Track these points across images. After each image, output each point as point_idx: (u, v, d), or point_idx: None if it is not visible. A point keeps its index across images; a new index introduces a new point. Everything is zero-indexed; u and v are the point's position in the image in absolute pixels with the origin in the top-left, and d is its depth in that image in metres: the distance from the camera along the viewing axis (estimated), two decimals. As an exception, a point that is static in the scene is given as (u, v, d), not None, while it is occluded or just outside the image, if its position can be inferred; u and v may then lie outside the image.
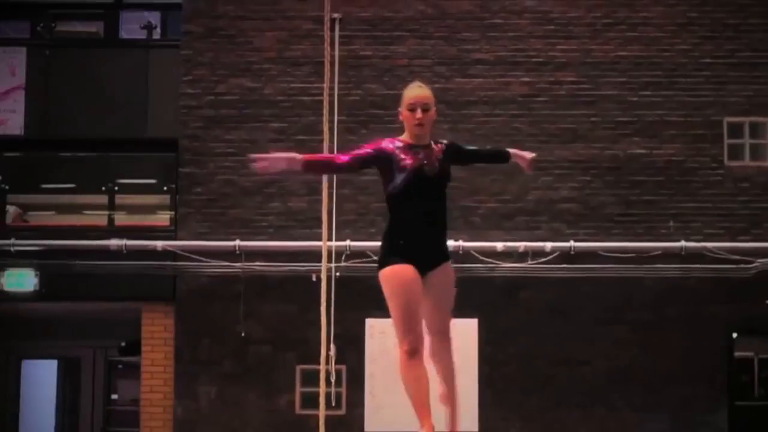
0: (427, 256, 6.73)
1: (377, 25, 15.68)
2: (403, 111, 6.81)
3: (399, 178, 6.73)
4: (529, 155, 7.20)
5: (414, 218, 6.70)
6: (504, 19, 15.78)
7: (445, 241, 6.92)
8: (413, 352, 6.59)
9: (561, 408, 15.11)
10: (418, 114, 6.69)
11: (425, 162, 6.72)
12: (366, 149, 6.81)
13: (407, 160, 6.70)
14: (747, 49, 15.70)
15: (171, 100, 16.05)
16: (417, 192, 6.69)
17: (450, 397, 6.93)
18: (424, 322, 6.75)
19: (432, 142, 6.84)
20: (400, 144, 6.79)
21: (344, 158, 6.87)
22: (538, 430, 15.14)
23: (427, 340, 6.78)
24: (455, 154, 6.93)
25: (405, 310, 6.63)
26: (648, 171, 15.58)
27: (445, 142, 6.92)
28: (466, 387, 14.53)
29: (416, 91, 6.82)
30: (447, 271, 6.83)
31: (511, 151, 7.19)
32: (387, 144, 6.82)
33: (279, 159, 6.63)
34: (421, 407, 6.61)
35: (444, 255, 6.86)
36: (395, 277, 6.65)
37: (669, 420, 15.07)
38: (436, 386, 6.80)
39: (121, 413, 17.84)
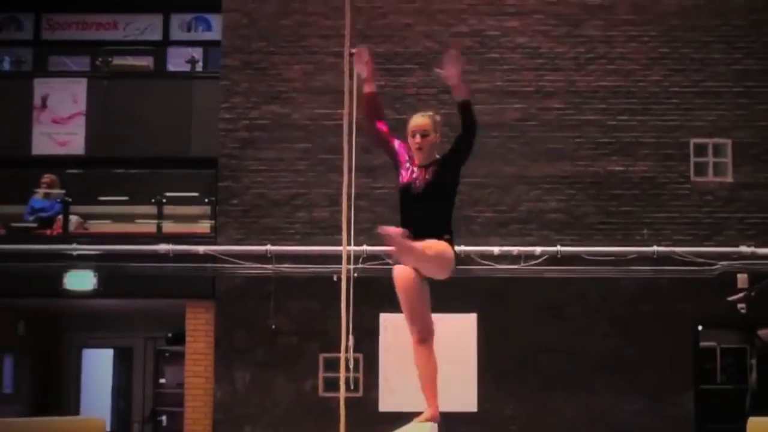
0: None
1: (390, 59, 15.72)
2: (408, 136, 6.98)
3: (398, 187, 6.99)
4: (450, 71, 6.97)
5: (405, 227, 6.69)
6: (499, 54, 15.91)
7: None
8: (421, 341, 6.85)
9: (549, 391, 15.17)
10: (417, 139, 6.86)
11: (414, 181, 6.84)
12: (394, 141, 7.09)
13: (404, 175, 6.93)
14: (710, 80, 15.76)
15: (211, 124, 16.13)
16: (405, 205, 6.91)
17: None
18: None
19: (434, 160, 6.91)
20: (408, 158, 6.99)
21: (383, 127, 7.16)
22: (530, 410, 15.19)
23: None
24: (449, 161, 6.90)
25: (405, 306, 6.89)
26: (624, 185, 15.66)
27: (437, 157, 6.94)
28: (466, 373, 14.86)
29: (416, 120, 6.99)
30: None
31: (455, 96, 7.06)
32: (403, 152, 7.04)
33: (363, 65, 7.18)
34: (429, 390, 6.79)
35: None
36: (396, 278, 6.90)
37: (643, 401, 15.09)
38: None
39: (167, 395, 17.83)
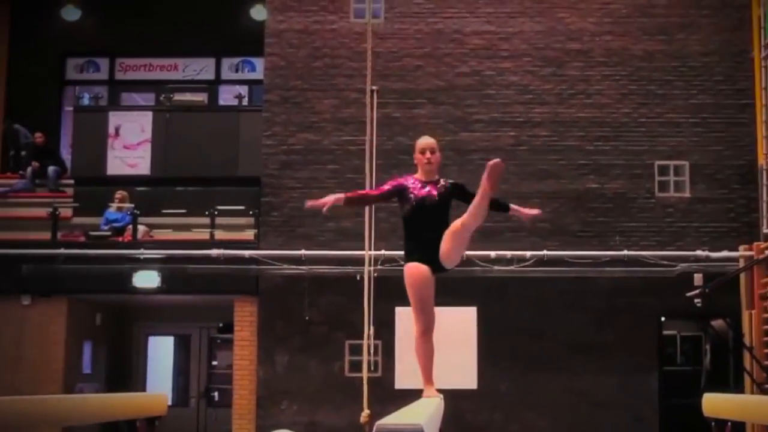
0: (432, 262, 6.75)
1: (404, 94, 15.75)
2: (416, 155, 6.98)
3: (408, 206, 6.86)
4: (530, 212, 7.35)
5: (419, 236, 6.78)
6: (496, 90, 15.88)
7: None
8: (425, 332, 6.74)
9: (537, 371, 15.12)
10: (428, 155, 6.87)
11: (427, 195, 6.83)
12: (389, 185, 6.99)
13: (415, 192, 6.84)
14: (671, 112, 15.73)
15: (255, 149, 16.12)
16: (420, 217, 6.80)
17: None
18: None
19: (439, 178, 6.97)
20: (413, 180, 6.95)
21: (374, 193, 7.22)
22: (521, 387, 15.13)
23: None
24: (459, 192, 6.97)
25: (416, 298, 6.73)
26: (600, 200, 15.63)
27: (452, 181, 7.02)
28: (467, 357, 14.87)
29: (425, 140, 7.00)
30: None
31: (513, 207, 7.29)
32: (404, 180, 6.96)
33: (326, 201, 6.89)
34: (427, 373, 6.81)
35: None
36: (410, 272, 6.76)
37: (616, 380, 15.07)
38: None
39: (219, 375, 17.85)
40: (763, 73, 14.58)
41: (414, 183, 6.95)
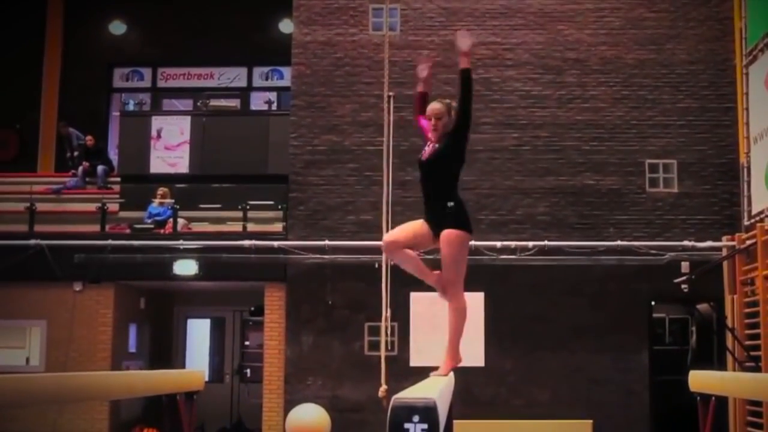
0: (432, 221, 6.20)
1: None
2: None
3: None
4: (462, 45, 6.43)
5: (423, 194, 6.28)
6: (500, 95, 15.83)
7: (442, 211, 6.18)
8: (385, 249, 6.30)
9: (538, 350, 15.11)
10: (432, 121, 6.28)
11: (424, 154, 6.28)
12: (425, 129, 6.39)
13: (424, 152, 6.33)
14: (660, 115, 15.66)
15: (283, 149, 16.12)
16: (421, 176, 6.30)
17: (448, 345, 6.26)
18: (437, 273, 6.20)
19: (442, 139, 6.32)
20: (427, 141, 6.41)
21: (421, 122, 6.46)
22: (524, 364, 15.11)
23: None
24: (451, 133, 6.30)
25: (406, 225, 6.28)
26: (596, 195, 15.56)
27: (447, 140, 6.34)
28: (476, 338, 14.80)
29: (432, 105, 6.40)
30: (445, 236, 6.10)
31: (460, 66, 6.41)
32: (426, 135, 6.39)
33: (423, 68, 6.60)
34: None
35: (444, 223, 6.13)
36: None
37: (610, 358, 15.03)
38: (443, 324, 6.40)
39: (251, 354, 17.77)
40: (744, 80, 14.51)
41: (426, 144, 6.46)
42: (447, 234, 6.05)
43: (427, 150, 6.31)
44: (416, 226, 6.21)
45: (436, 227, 6.13)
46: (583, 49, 15.89)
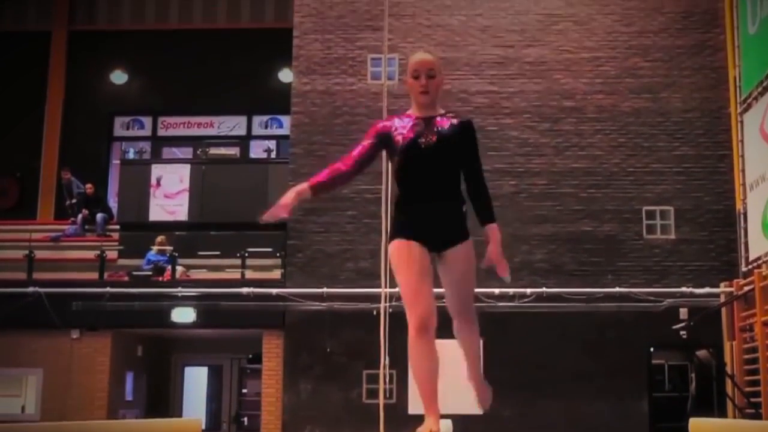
0: (433, 232, 4.55)
1: None
2: (407, 79, 4.58)
3: (396, 157, 4.59)
4: (503, 271, 4.89)
5: (413, 194, 4.54)
6: (498, 143, 15.88)
7: (457, 217, 4.62)
8: (421, 329, 4.49)
9: (537, 398, 14.98)
10: (422, 81, 4.48)
11: (421, 135, 4.52)
12: (364, 141, 4.67)
13: (404, 134, 4.53)
14: (656, 162, 15.70)
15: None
16: (413, 166, 4.53)
17: (472, 376, 5.08)
18: (447, 303, 4.79)
19: (443, 113, 4.63)
20: (404, 119, 4.59)
21: (348, 163, 4.73)
22: (522, 411, 14.96)
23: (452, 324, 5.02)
24: (465, 143, 4.61)
25: (406, 285, 4.52)
26: (593, 241, 15.54)
27: (464, 119, 4.65)
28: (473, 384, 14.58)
29: (420, 56, 4.56)
30: (461, 252, 4.63)
31: (490, 240, 4.73)
32: (386, 123, 4.65)
33: (285, 203, 4.59)
34: (426, 391, 4.58)
35: (457, 233, 4.62)
36: (397, 252, 4.55)
37: (609, 405, 14.93)
38: (446, 370, 4.94)
39: (249, 402, 17.75)
40: (739, 127, 14.60)
41: (403, 123, 4.57)
42: (464, 249, 4.65)
43: (417, 129, 4.55)
44: (422, 270, 4.54)
45: (439, 241, 4.60)
46: (579, 97, 15.95)
